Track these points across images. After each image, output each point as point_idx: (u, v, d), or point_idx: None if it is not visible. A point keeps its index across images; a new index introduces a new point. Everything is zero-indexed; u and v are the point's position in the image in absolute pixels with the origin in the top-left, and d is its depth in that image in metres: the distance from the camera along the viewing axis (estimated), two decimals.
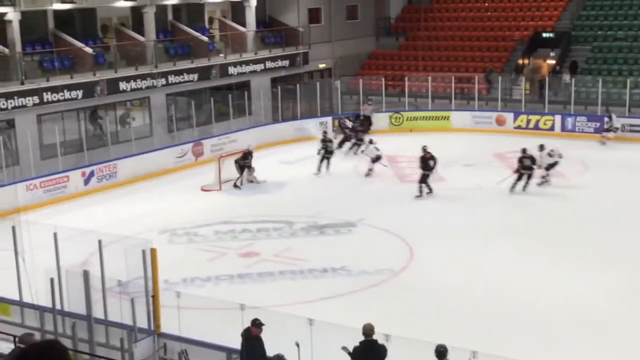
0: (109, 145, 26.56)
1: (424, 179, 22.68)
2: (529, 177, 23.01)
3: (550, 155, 23.65)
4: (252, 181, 25.18)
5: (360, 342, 10.66)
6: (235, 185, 24.95)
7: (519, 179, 22.99)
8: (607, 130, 29.30)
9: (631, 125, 29.77)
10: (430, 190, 22.72)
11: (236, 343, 11.65)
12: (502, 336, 13.48)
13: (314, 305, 15.06)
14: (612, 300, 15.12)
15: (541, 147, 23.75)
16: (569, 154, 27.46)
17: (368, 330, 10.72)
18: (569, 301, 15.11)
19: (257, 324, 11.24)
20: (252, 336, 11.22)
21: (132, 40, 29.81)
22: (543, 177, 23.48)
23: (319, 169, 25.77)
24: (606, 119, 29.50)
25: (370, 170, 25.30)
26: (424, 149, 23.10)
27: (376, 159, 25.23)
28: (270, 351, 10.99)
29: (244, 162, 25.04)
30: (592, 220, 20.20)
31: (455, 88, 33.89)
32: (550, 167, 23.60)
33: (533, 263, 17.20)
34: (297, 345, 10.71)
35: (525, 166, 22.98)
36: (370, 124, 32.04)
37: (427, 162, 22.75)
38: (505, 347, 11.93)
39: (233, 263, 18.00)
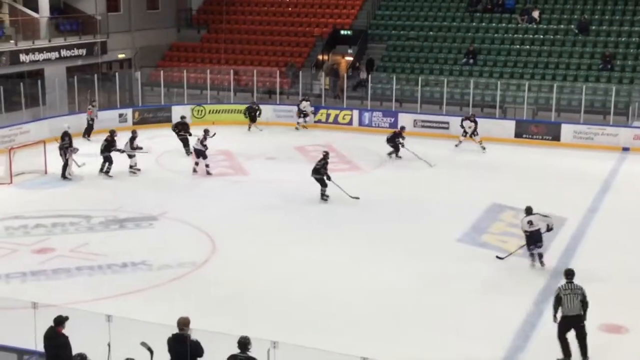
0: None
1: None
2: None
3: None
4: (68, 177, 23.86)
5: (173, 335, 10.48)
6: (64, 177, 23.77)
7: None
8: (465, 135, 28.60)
9: (422, 121, 31.29)
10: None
11: (28, 343, 11.06)
12: (304, 327, 13.69)
13: (114, 301, 14.63)
14: (413, 291, 15.70)
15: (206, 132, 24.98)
16: (365, 147, 28.64)
17: (181, 324, 10.56)
18: (371, 292, 15.60)
19: (61, 321, 10.77)
20: (59, 335, 10.71)
21: None
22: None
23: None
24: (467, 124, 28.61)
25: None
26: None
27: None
28: None
29: (62, 143, 23.88)
30: (388, 212, 21.03)
31: (257, 82, 34.22)
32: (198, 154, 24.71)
33: (332, 254, 17.63)
34: (109, 345, 10.42)
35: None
36: (91, 129, 29.68)
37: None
38: (307, 337, 12.17)
39: (25, 260, 17.03)
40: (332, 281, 16.06)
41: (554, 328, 12.46)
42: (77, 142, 26.17)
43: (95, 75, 32.46)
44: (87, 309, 12.67)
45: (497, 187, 23.29)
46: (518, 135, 30.19)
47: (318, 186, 21.70)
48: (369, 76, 33.74)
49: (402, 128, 27.41)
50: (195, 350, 10.40)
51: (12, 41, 31.00)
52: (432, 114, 31.53)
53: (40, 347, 10.96)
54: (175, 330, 10.56)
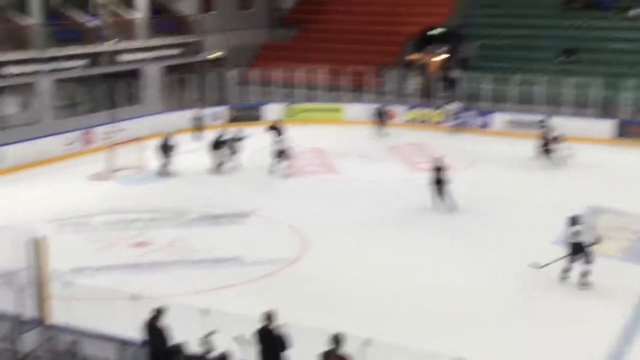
0: None
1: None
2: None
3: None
4: (168, 173, 24.62)
5: (260, 327, 10.73)
6: (164, 174, 24.52)
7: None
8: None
9: (515, 121, 30.71)
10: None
11: (129, 333, 11.41)
12: (393, 326, 13.64)
13: (208, 295, 14.91)
14: (510, 294, 15.50)
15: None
16: (458, 146, 28.29)
17: (267, 318, 10.81)
18: (452, 290, 15.48)
19: (160, 312, 11.20)
20: (157, 326, 11.09)
21: (17, 24, 28.62)
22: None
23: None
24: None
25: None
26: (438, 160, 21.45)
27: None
28: None
29: (163, 144, 24.68)
30: (481, 213, 20.76)
31: (348, 81, 34.25)
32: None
33: (420, 256, 17.50)
34: (212, 333, 10.64)
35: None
36: (198, 127, 30.13)
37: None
38: (396, 335, 12.13)
39: (125, 253, 17.59)
40: (423, 283, 15.91)
41: None
42: (183, 138, 26.86)
43: (191, 75, 33.13)
44: (183, 302, 12.96)
45: (595, 188, 22.66)
46: (618, 135, 29.30)
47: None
48: (462, 75, 33.32)
49: (555, 138, 26.09)
50: (282, 342, 10.59)
51: (113, 41, 31.95)
52: (526, 114, 30.88)
53: (139, 337, 11.29)
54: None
